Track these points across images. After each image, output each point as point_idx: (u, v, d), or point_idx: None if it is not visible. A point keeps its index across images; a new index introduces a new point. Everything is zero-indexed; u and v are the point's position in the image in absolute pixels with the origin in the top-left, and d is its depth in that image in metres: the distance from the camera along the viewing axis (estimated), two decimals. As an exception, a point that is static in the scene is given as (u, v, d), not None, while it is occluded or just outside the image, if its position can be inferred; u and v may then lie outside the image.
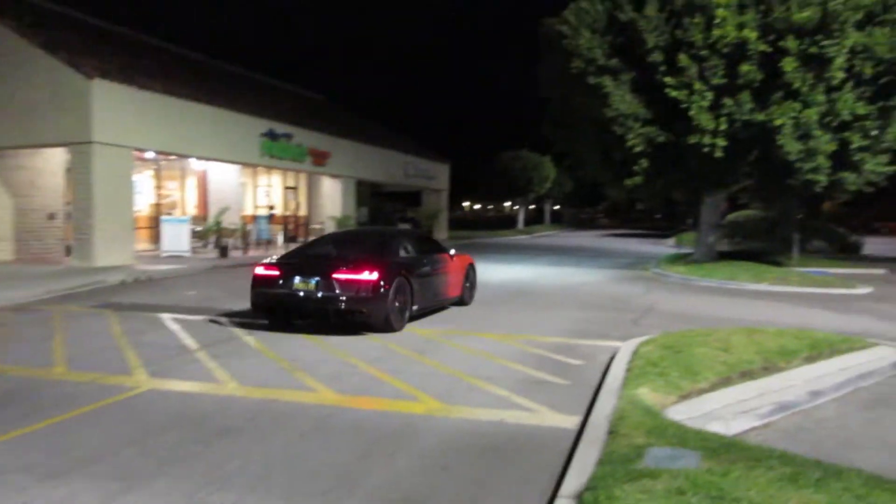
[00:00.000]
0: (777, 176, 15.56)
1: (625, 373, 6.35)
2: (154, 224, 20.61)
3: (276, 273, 9.19)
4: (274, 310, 9.42)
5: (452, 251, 11.59)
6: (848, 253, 28.36)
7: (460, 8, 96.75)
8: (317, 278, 8.82)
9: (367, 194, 34.91)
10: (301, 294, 8.87)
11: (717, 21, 13.97)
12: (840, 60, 13.58)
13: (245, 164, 22.54)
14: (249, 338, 8.49)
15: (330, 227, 25.52)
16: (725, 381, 6.20)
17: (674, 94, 14.57)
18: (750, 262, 18.15)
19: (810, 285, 14.59)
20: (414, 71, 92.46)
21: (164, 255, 18.60)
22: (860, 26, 13.82)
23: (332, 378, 6.56)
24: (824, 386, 6.28)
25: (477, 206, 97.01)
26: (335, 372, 6.81)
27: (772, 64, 13.95)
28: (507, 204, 67.72)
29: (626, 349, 7.40)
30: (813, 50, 13.57)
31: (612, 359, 7.27)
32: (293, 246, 23.34)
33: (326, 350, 7.83)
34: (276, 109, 24.47)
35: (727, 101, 14.23)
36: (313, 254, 10.38)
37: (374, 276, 8.72)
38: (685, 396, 5.76)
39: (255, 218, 21.45)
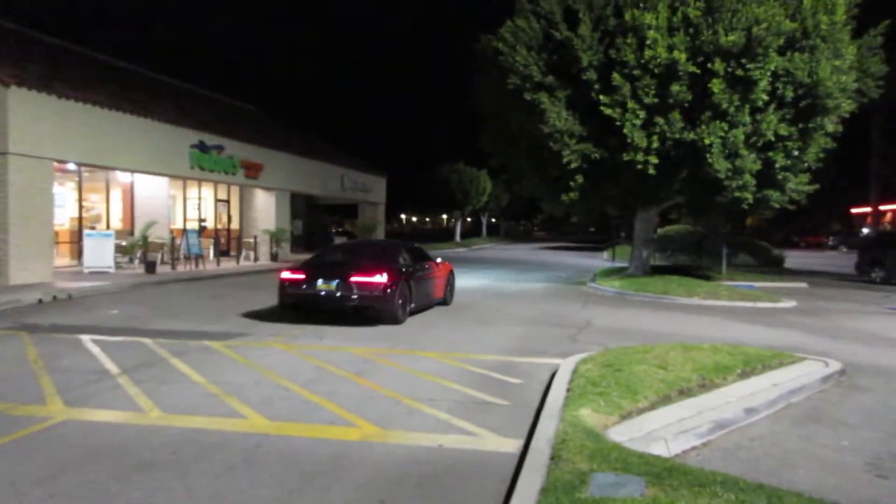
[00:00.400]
0: (707, 193, 16.00)
1: (565, 392, 6.29)
2: (76, 239, 19.63)
3: (302, 276, 11.09)
4: (300, 307, 11.35)
5: (439, 259, 13.91)
6: (772, 266, 29.48)
7: (398, 21, 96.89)
8: (336, 281, 10.82)
9: (303, 207, 34.35)
10: (323, 293, 10.83)
11: (648, 42, 14.31)
12: (764, 83, 14.08)
13: (174, 177, 21.77)
14: (176, 360, 8.06)
15: (263, 241, 24.91)
16: (664, 400, 6.20)
17: (608, 111, 14.82)
18: (682, 276, 18.60)
19: (739, 299, 15.01)
20: (351, 83, 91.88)
21: (87, 271, 17.71)
22: (782, 52, 14.37)
23: (263, 403, 6.26)
24: (758, 403, 6.36)
25: (415, 219, 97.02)
26: (267, 396, 6.50)
27: (701, 85, 14.36)
28: (445, 216, 67.93)
29: (565, 367, 7.35)
30: (739, 72, 14.03)
31: (552, 377, 7.21)
32: (225, 261, 22.86)
33: (259, 372, 7.50)
34: (208, 120, 23.79)
35: (659, 119, 14.56)
36: (330, 261, 12.31)
37: (384, 279, 10.74)
38: (626, 416, 5.72)
39: (184, 232, 20.68)
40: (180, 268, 19.81)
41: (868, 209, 49.15)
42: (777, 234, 52.67)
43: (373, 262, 11.36)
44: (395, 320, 11.00)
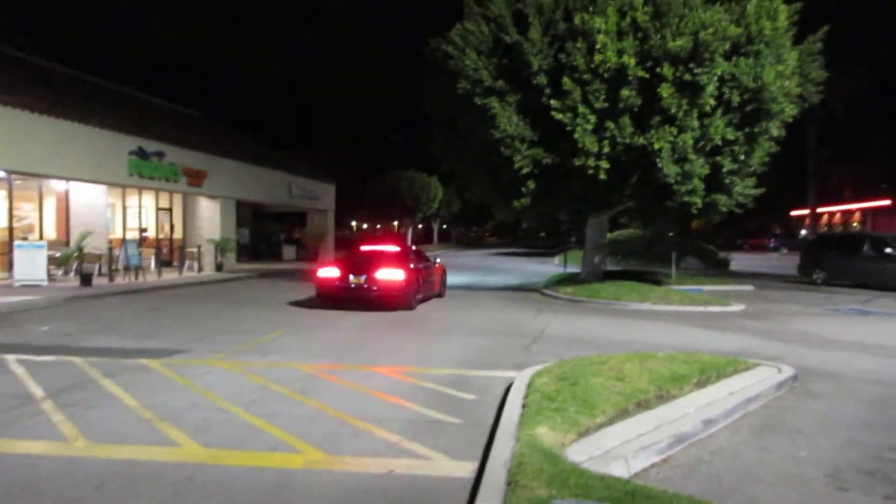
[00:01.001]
0: (657, 198, 16.07)
1: (521, 409, 6.03)
2: (6, 250, 18.59)
3: (337, 274, 14.15)
4: (334, 297, 14.17)
5: (438, 260, 17.64)
6: (718, 269, 30.01)
7: (347, 26, 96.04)
8: (364, 276, 13.85)
9: (249, 215, 33.53)
10: (353, 286, 13.87)
11: (598, 46, 14.27)
12: (711, 88, 14.19)
13: (112, 185, 20.87)
14: (108, 381, 7.53)
15: (208, 251, 24.12)
16: (622, 414, 6.00)
17: (559, 116, 14.73)
18: (633, 281, 18.66)
19: (690, 304, 15.08)
20: (299, 89, 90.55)
21: (18, 284, 16.76)
22: (727, 57, 14.53)
23: (199, 428, 5.83)
24: (716, 413, 6.22)
25: (366, 226, 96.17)
26: (204, 420, 6.07)
27: (650, 89, 14.40)
28: (397, 223, 67.55)
29: (520, 381, 7.10)
30: (687, 77, 14.11)
31: (506, 392, 6.96)
32: (167, 272, 21.98)
33: (197, 393, 7.04)
34: (148, 125, 22.92)
35: (610, 124, 14.53)
36: (356, 261, 14.91)
37: (402, 275, 13.94)
38: (584, 433, 5.49)
39: (123, 242, 19.80)
40: (119, 280, 18.96)
41: (806, 211, 50.79)
42: (721, 237, 53.86)
43: (391, 262, 14.46)
44: (409, 307, 14.14)
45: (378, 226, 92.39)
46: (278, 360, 8.86)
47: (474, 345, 10.29)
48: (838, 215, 52.78)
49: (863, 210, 48.73)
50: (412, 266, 14.73)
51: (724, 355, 9.00)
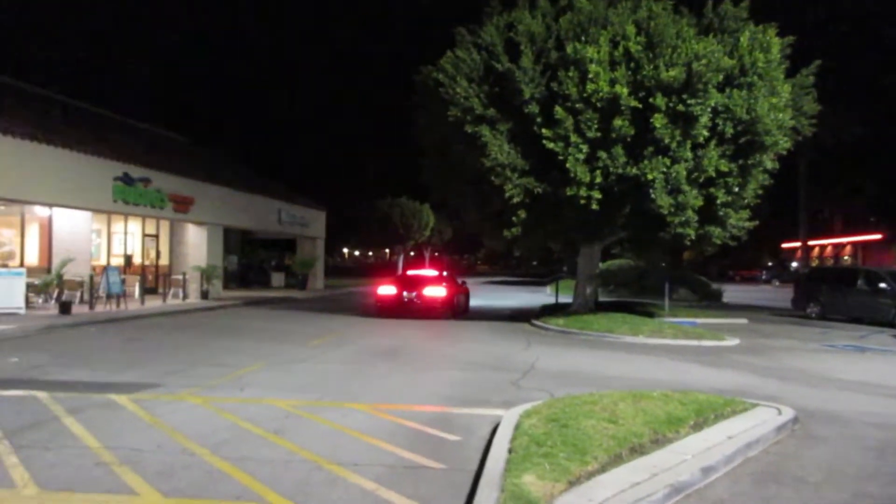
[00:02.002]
0: (649, 229, 15.83)
1: (507, 454, 5.65)
2: (-15, 277, 18.10)
3: (394, 291, 18.62)
4: (391, 309, 18.47)
5: (464, 282, 22.14)
6: (711, 301, 29.79)
7: (338, 53, 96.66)
8: (415, 292, 18.29)
9: (238, 242, 33.15)
10: (406, 300, 18.26)
11: (590, 76, 14.13)
12: (704, 119, 14.04)
13: (96, 211, 20.48)
14: (71, 419, 7.08)
15: (193, 278, 23.67)
16: (615, 460, 5.62)
17: (550, 145, 14.52)
18: (626, 312, 18.35)
19: (683, 338, 14.73)
20: (290, 114, 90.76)
21: (-6, 312, 16.27)
22: (721, 88, 14.41)
23: (162, 474, 5.40)
24: (715, 460, 5.85)
25: (357, 253, 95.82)
26: (168, 464, 5.64)
27: (643, 119, 14.23)
28: (388, 251, 67.26)
29: (508, 422, 6.72)
30: (680, 108, 13.96)
31: (493, 433, 6.57)
32: (151, 299, 21.44)
33: (164, 433, 6.61)
34: (134, 151, 22.64)
35: (602, 154, 14.33)
36: (407, 281, 19.45)
37: (445, 292, 18.55)
38: (574, 482, 5.10)
39: (105, 269, 19.34)
40: (100, 308, 18.47)
41: (798, 244, 50.78)
42: (713, 268, 53.83)
43: (436, 282, 19.30)
44: (452, 318, 18.74)
45: (370, 253, 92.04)
46: (255, 395, 8.44)
47: (461, 379, 9.90)
48: (829, 248, 52.82)
49: (854, 244, 48.78)
50: (449, 286, 19.48)
51: (720, 393, 8.68)
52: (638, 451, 5.91)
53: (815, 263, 51.08)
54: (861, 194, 46.69)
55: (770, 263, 55.78)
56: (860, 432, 7.27)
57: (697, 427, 6.76)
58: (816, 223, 50.71)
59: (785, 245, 55.45)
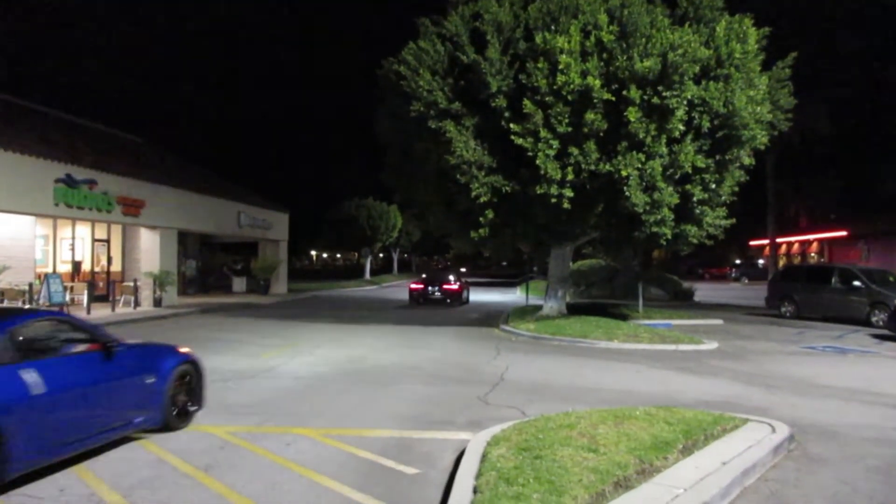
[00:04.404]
0: (624, 228, 15.15)
1: (472, 494, 4.81)
2: None
3: (422, 285, 26.08)
4: (420, 299, 25.69)
5: (467, 281, 29.62)
6: (682, 300, 29.37)
7: (301, 52, 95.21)
8: (437, 286, 25.83)
9: (197, 246, 31.85)
10: (430, 292, 25.73)
11: (560, 67, 13.36)
12: (680, 112, 13.38)
13: (38, 215, 19.15)
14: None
15: (146, 285, 22.42)
16: (598, 499, 4.81)
17: (519, 141, 13.73)
18: (599, 316, 17.67)
19: (660, 342, 14.04)
20: (253, 116, 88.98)
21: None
22: (697, 80, 13.78)
23: (53, 532, 4.45)
24: (710, 494, 5.06)
25: (325, 255, 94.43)
26: (64, 518, 4.69)
27: (617, 113, 13.52)
28: (356, 254, 66.12)
29: (473, 451, 5.88)
30: (655, 100, 13.27)
31: (457, 463, 5.74)
32: (100, 308, 20.09)
33: (73, 473, 5.62)
34: (79, 152, 21.31)
35: (573, 149, 13.58)
36: (430, 278, 26.92)
37: (458, 286, 26.27)
38: (551, 532, 4.28)
39: (45, 277, 18.04)
40: (40, 318, 17.16)
41: (766, 241, 50.87)
42: (682, 267, 53.72)
43: (451, 278, 26.75)
44: (462, 304, 26.29)
45: (338, 255, 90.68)
46: (191, 421, 7.46)
47: (424, 395, 9.04)
48: (796, 245, 53.02)
49: (820, 240, 48.97)
50: (459, 283, 26.77)
51: (705, 406, 8.02)
52: (623, 485, 5.10)
53: (782, 261, 51.29)
54: (826, 191, 46.93)
55: (738, 261, 55.85)
56: (860, 450, 6.59)
57: (687, 451, 6.00)
58: (783, 220, 50.88)
59: (752, 242, 55.55)
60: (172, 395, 6.88)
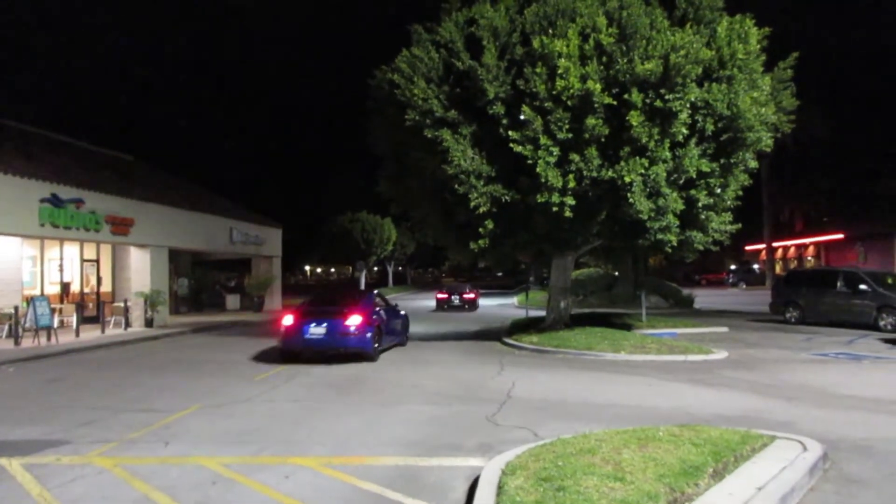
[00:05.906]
0: (627, 236, 14.73)
1: (491, 534, 4.34)
2: None
3: (446, 295, 32.77)
4: (444, 306, 32.33)
5: (478, 290, 36.50)
6: (683, 307, 28.99)
7: (293, 66, 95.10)
8: (458, 295, 32.67)
9: (189, 264, 31.32)
10: (452, 300, 32.36)
11: (559, 72, 12.97)
12: (684, 115, 13.00)
13: (23, 236, 18.63)
14: (-66, 500, 5.56)
15: (137, 305, 21.86)
16: (630, 536, 4.35)
17: (518, 149, 13.32)
18: (603, 326, 17.24)
19: (668, 353, 13.59)
20: (244, 132, 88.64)
21: None
22: (700, 83, 13.42)
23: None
24: (752, 525, 4.62)
25: (319, 270, 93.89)
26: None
27: (618, 118, 13.13)
28: (351, 268, 65.64)
29: (487, 482, 5.40)
30: (658, 104, 12.89)
31: (470, 495, 5.29)
32: (89, 329, 19.54)
33: (48, 518, 5.13)
34: (65, 171, 20.81)
35: (574, 156, 13.17)
36: (451, 289, 33.84)
37: (474, 295, 33.12)
38: (583, 579, 3.81)
39: (30, 300, 17.48)
40: (27, 343, 16.62)
41: (762, 246, 50.60)
42: (678, 273, 53.29)
43: (466, 291, 33.21)
44: (476, 310, 31.88)
45: (332, 269, 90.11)
46: (180, 452, 6.97)
47: (428, 416, 8.56)
48: (793, 249, 52.76)
49: (816, 244, 48.73)
50: (474, 293, 32.80)
51: (725, 421, 7.65)
52: (655, 519, 4.65)
53: (779, 265, 50.97)
54: (821, 194, 46.73)
55: (734, 266, 55.49)
56: (901, 468, 6.15)
57: (718, 476, 5.54)
58: (778, 224, 50.63)
59: (748, 247, 55.25)
60: None
